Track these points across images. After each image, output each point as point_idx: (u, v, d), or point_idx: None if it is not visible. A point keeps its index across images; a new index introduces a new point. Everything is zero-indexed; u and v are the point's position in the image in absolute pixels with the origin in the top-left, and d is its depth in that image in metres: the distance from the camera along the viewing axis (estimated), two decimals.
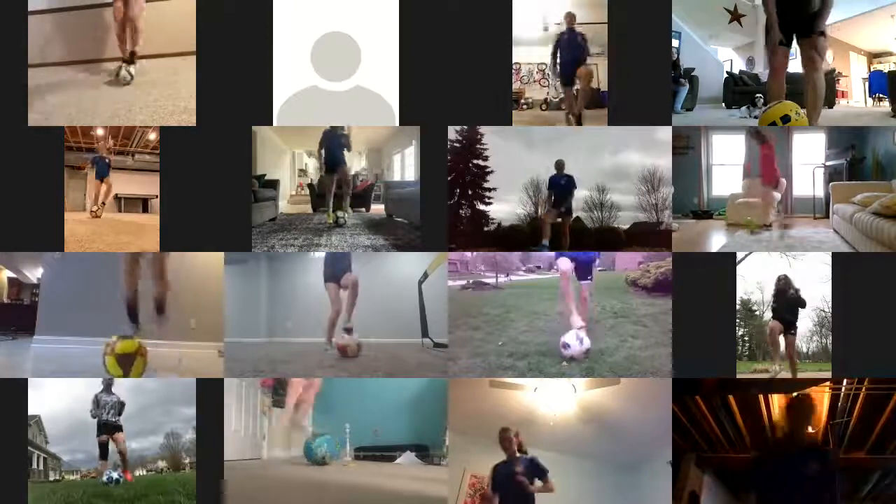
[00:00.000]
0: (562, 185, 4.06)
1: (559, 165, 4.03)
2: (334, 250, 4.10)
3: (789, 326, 3.71)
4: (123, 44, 3.99)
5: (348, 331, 4.30)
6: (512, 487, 3.60)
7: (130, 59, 3.99)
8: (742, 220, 4.17)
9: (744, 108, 4.56)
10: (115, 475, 3.65)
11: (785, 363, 3.70)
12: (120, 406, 3.68)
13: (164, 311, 3.94)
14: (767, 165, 4.26)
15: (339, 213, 4.41)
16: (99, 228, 3.93)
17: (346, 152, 4.32)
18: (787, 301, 3.70)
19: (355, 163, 4.60)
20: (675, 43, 4.07)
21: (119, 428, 3.69)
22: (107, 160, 4.04)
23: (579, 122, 3.99)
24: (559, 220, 4.06)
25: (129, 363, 3.68)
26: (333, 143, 4.25)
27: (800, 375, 3.67)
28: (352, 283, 4.32)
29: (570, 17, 3.99)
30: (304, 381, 4.01)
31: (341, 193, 4.47)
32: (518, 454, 3.64)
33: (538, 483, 3.60)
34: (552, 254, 4.09)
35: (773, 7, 4.10)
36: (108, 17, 3.99)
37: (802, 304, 3.69)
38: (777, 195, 4.28)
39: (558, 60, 4.06)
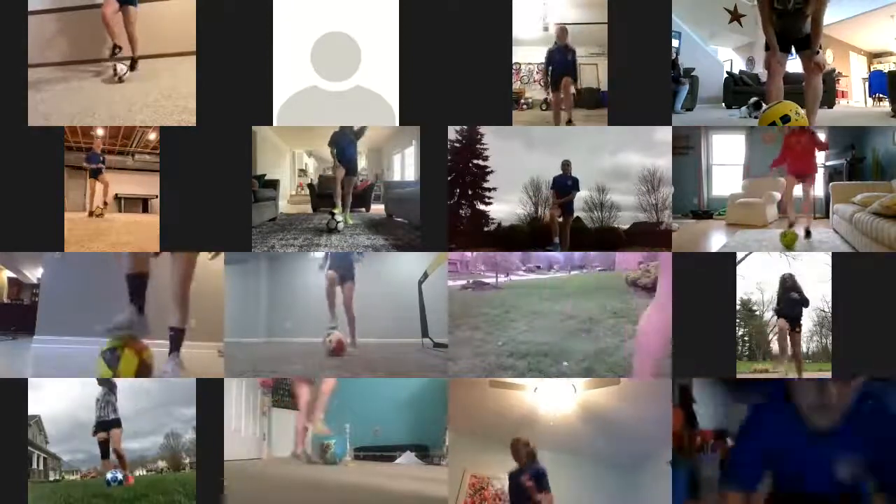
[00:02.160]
0: (567, 187, 4.06)
1: (565, 166, 4.03)
2: (335, 250, 4.11)
3: (794, 323, 3.70)
4: (114, 38, 4.01)
5: (334, 328, 4.42)
6: (521, 494, 3.64)
7: (132, 65, 4.01)
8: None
9: (744, 108, 4.55)
10: (119, 476, 3.64)
11: (791, 364, 3.70)
12: (112, 397, 3.63)
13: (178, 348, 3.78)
14: (808, 155, 4.10)
15: (339, 218, 4.36)
16: (99, 228, 3.93)
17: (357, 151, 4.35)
18: (792, 300, 3.70)
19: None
20: (675, 43, 4.06)
21: (116, 423, 3.66)
22: (100, 157, 4.02)
23: (569, 123, 4.00)
24: (560, 219, 4.06)
25: (115, 358, 3.60)
26: (346, 143, 4.25)
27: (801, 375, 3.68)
28: (347, 300, 4.44)
29: (562, 33, 4.03)
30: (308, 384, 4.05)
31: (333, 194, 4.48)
32: (528, 461, 3.69)
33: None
34: (559, 254, 4.09)
35: (769, 23, 4.10)
36: None
37: (806, 303, 3.69)
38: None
39: (550, 69, 4.11)
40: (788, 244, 3.85)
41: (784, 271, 3.71)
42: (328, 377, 4.00)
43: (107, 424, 3.67)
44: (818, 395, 2.30)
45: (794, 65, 4.17)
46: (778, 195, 4.47)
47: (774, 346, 3.73)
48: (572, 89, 4.07)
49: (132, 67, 4.01)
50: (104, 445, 3.67)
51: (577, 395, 3.70)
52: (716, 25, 4.71)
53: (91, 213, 4.07)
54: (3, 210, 3.56)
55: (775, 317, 3.70)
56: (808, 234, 4.01)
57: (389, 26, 3.60)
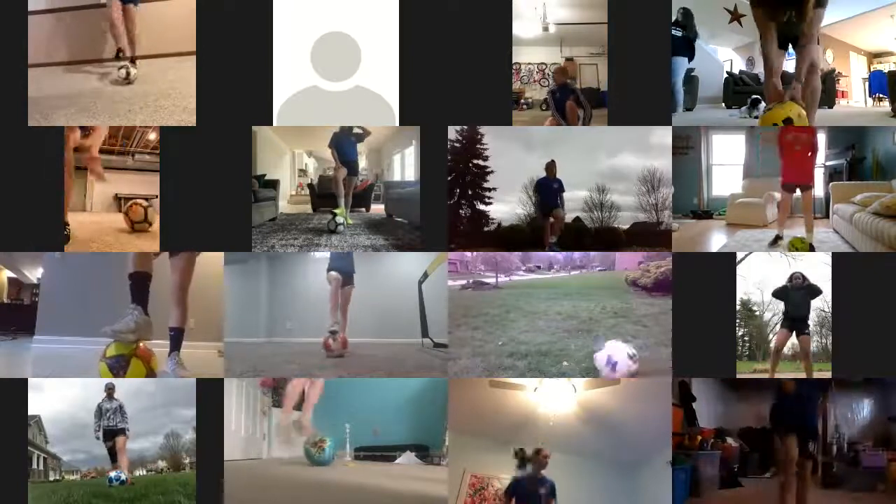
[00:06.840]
0: (553, 190, 4.02)
1: (550, 167, 3.99)
2: (336, 250, 4.12)
3: (802, 326, 3.69)
4: (119, 41, 4.03)
5: (333, 333, 4.42)
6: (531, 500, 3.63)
7: (131, 63, 4.03)
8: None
9: (744, 108, 4.55)
10: (123, 476, 3.63)
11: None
12: (121, 411, 3.65)
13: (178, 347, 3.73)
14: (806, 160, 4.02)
15: (339, 219, 4.33)
16: (99, 228, 3.93)
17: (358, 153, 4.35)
18: (803, 296, 3.69)
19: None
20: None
21: (122, 431, 3.66)
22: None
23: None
24: (551, 220, 4.02)
25: (121, 366, 3.57)
26: (346, 143, 4.24)
27: (799, 375, 3.68)
28: (345, 302, 4.47)
29: (560, 73, 4.01)
30: (302, 382, 4.03)
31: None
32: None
33: None
34: (559, 254, 4.07)
35: (766, 29, 4.08)
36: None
37: (818, 291, 3.65)
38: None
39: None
40: (799, 248, 3.79)
41: (793, 271, 3.71)
42: (319, 378, 3.99)
43: (115, 432, 3.67)
44: None
45: (793, 65, 4.17)
46: (778, 195, 4.45)
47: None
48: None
49: (132, 64, 4.02)
50: (112, 453, 3.68)
51: (577, 395, 3.69)
52: (716, 25, 4.71)
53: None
54: (3, 210, 3.56)
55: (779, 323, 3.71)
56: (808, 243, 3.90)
57: (389, 26, 3.60)
